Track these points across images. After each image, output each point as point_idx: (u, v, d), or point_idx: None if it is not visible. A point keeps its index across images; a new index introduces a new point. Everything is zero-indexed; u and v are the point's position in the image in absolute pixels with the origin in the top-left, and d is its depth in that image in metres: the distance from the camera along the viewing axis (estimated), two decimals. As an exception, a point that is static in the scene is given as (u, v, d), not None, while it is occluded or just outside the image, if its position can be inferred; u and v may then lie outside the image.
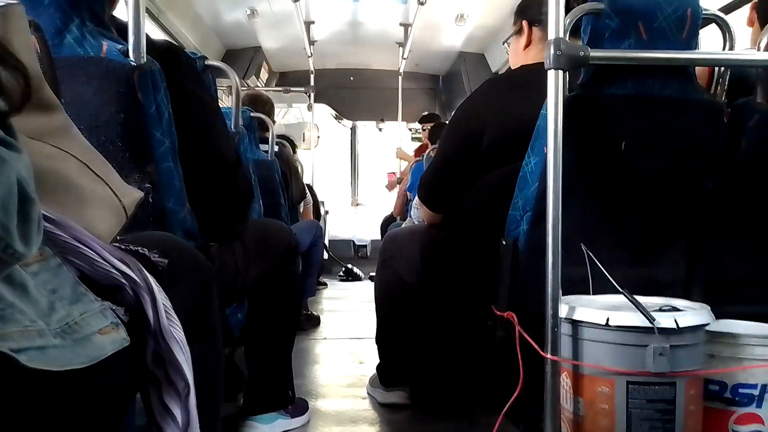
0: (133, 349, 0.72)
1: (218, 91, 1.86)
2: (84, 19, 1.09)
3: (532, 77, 1.49)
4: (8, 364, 0.54)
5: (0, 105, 0.56)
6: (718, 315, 1.19)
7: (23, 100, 0.62)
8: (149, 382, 0.77)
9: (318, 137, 6.22)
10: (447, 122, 4.68)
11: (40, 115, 0.76)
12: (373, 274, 2.28)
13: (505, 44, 1.79)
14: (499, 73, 5.08)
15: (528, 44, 1.68)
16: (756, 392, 1.18)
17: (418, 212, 2.94)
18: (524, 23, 1.67)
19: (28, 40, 0.73)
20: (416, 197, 3.07)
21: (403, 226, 3.29)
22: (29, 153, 0.56)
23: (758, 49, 1.35)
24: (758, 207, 1.41)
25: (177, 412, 0.76)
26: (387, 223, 5.24)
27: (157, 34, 3.92)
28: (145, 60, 1.12)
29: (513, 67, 1.74)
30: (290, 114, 6.85)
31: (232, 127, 1.91)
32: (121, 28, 1.15)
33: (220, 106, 1.48)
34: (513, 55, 1.75)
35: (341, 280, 5.54)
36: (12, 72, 0.61)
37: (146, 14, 1.17)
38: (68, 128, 0.81)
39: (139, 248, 0.83)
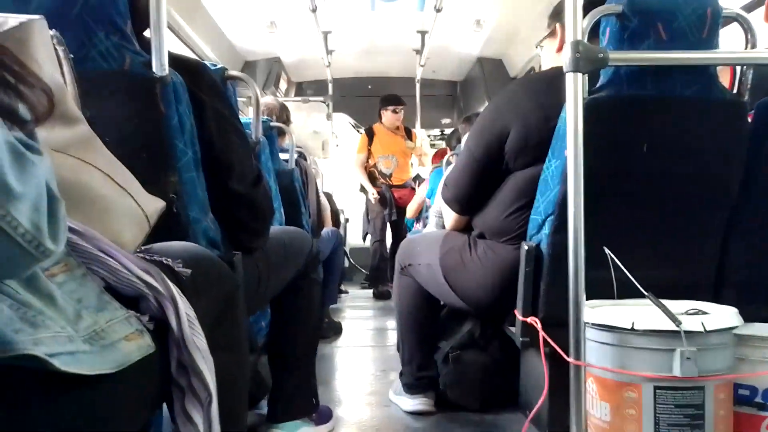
0: (159, 358, 0.72)
1: (238, 101, 1.87)
2: (107, 33, 1.11)
3: (562, 79, 1.49)
4: (40, 369, 0.55)
5: (23, 113, 0.58)
6: (747, 318, 1.17)
7: (46, 114, 0.63)
8: (174, 390, 0.78)
9: (337, 146, 6.22)
10: (460, 126, 4.63)
11: (63, 127, 0.78)
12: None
13: (539, 47, 1.78)
14: (518, 77, 5.06)
15: (561, 47, 1.67)
16: (788, 396, 1.15)
17: (437, 219, 2.93)
18: (558, 26, 1.67)
19: (50, 54, 0.75)
20: (434, 204, 3.06)
21: (423, 232, 3.28)
22: (54, 165, 0.57)
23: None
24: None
25: (198, 421, 0.77)
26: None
27: (178, 46, 3.98)
28: (167, 72, 1.14)
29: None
30: (309, 123, 6.87)
31: (253, 137, 1.91)
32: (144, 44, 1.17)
33: (241, 116, 1.48)
34: (546, 57, 1.75)
35: (362, 288, 5.54)
36: (34, 91, 0.62)
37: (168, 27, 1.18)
38: (91, 140, 0.82)
39: (163, 258, 0.83)
